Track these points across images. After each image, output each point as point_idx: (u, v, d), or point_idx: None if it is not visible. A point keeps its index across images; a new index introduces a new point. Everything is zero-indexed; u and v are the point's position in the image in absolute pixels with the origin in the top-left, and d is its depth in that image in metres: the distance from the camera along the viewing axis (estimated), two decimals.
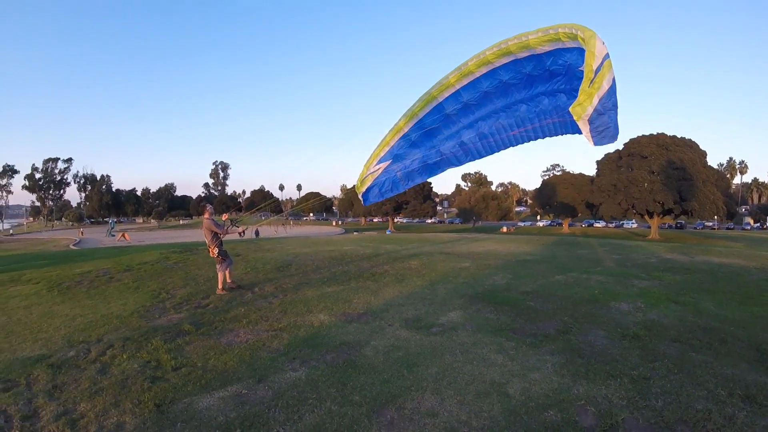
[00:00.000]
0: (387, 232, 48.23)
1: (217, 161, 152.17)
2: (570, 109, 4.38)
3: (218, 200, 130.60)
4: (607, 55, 4.35)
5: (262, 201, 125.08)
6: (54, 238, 64.65)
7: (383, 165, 6.49)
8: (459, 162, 6.36)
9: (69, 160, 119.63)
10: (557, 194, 64.74)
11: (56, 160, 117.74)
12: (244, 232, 9.37)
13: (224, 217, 9.75)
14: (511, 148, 6.22)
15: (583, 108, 4.17)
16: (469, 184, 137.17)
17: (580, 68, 4.59)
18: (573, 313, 6.21)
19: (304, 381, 4.06)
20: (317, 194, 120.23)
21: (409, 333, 5.38)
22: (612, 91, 4.40)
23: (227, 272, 8.22)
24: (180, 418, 3.52)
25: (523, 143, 6.15)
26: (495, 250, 14.86)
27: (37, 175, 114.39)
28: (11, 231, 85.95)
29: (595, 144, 4.79)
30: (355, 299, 7.06)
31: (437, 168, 6.44)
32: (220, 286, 8.12)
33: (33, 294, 8.77)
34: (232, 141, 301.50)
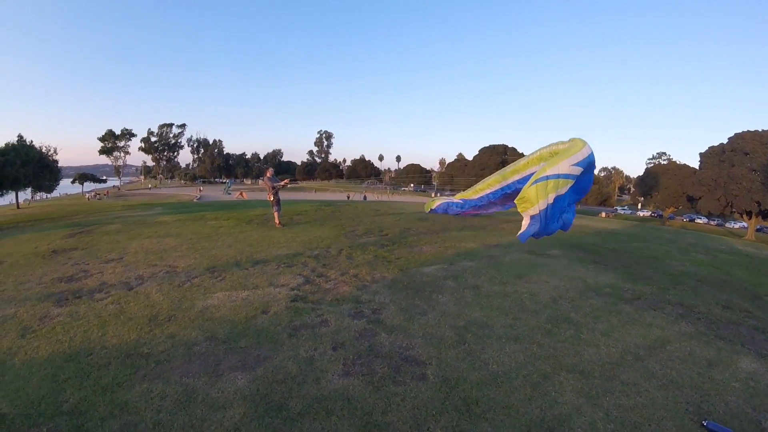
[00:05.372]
0: None
1: (321, 130, 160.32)
2: (516, 200, 5.88)
3: (321, 167, 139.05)
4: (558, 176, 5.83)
5: (362, 170, 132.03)
6: (175, 194, 72.27)
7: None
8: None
9: (183, 126, 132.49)
10: (659, 184, 62.88)
11: (171, 125, 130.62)
12: (286, 184, 13.95)
13: (286, 181, 14.15)
14: None
15: (524, 208, 5.65)
16: None
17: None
18: (637, 261, 9.31)
19: (475, 266, 7.74)
20: (417, 166, 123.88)
21: (528, 256, 8.89)
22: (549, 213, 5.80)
23: (277, 213, 12.31)
24: (415, 274, 7.15)
25: None
26: (588, 224, 17.64)
27: (153, 139, 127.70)
28: (150, 186, 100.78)
29: (519, 238, 5.99)
30: (488, 238, 10.63)
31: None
32: (276, 221, 12.25)
33: (235, 226, 12.11)
34: (337, 112, 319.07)
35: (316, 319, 5.12)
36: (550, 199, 6.05)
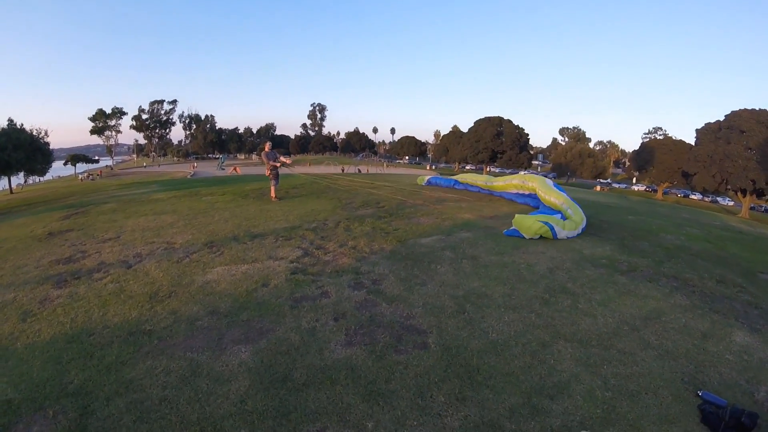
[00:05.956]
0: None
1: (315, 103, 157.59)
2: (515, 220, 8.23)
3: (315, 140, 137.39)
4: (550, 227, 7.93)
5: (357, 142, 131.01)
6: (167, 171, 71.49)
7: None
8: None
9: (174, 102, 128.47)
10: (655, 159, 62.72)
11: (161, 102, 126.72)
12: (285, 164, 13.56)
13: (288, 160, 14.28)
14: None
15: (521, 229, 7.94)
16: (567, 139, 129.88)
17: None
18: (632, 233, 9.37)
19: (472, 237, 7.77)
20: (412, 138, 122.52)
21: None
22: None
23: (274, 187, 12.42)
24: (413, 245, 7.16)
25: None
26: (585, 198, 17.65)
27: (144, 116, 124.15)
28: (144, 164, 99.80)
29: (506, 233, 8.15)
30: (484, 210, 10.64)
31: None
32: (273, 195, 12.34)
33: (231, 201, 12.07)
34: (330, 85, 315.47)
35: (316, 290, 5.16)
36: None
